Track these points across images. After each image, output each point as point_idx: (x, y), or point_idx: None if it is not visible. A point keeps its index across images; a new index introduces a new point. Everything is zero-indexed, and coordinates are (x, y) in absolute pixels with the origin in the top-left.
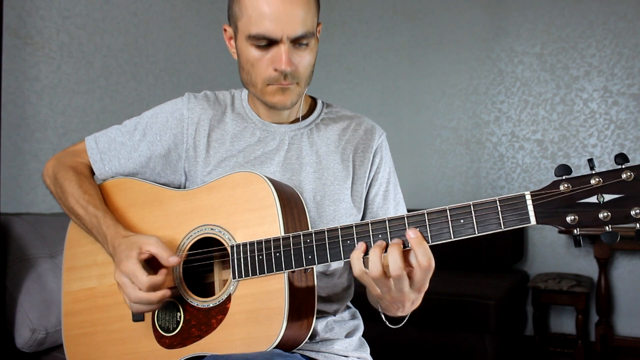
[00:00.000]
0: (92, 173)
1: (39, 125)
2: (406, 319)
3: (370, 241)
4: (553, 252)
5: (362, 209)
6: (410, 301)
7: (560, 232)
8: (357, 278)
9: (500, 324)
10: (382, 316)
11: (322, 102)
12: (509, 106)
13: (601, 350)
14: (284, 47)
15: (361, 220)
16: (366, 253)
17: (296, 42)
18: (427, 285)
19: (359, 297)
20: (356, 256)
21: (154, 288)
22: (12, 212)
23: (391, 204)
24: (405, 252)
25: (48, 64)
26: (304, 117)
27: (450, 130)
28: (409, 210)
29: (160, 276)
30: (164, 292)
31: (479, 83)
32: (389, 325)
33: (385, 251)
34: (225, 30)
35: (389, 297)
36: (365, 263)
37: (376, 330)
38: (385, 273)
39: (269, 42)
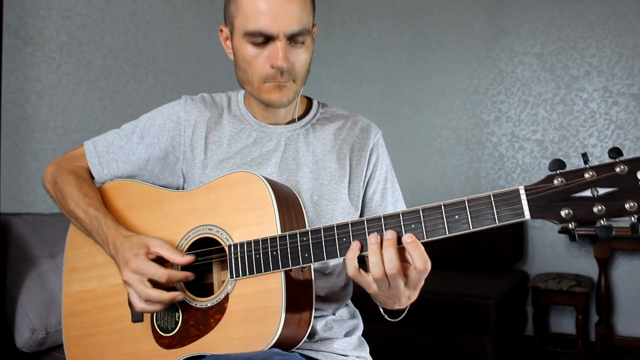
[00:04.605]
0: (92, 177)
1: (39, 125)
2: (404, 313)
3: (366, 239)
4: (553, 252)
5: (360, 208)
6: (406, 297)
7: (560, 231)
8: (352, 278)
9: (500, 324)
10: (381, 310)
11: (318, 102)
12: (509, 106)
13: (601, 350)
14: (280, 43)
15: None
16: (361, 251)
17: (292, 39)
18: (422, 283)
19: (359, 296)
20: (351, 256)
21: (171, 281)
22: (12, 212)
23: (389, 201)
24: (401, 249)
25: (48, 64)
26: (300, 117)
27: (450, 130)
28: None
29: (181, 273)
30: (176, 294)
31: (479, 83)
32: (388, 319)
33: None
34: (221, 30)
35: (386, 294)
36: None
37: (376, 329)
38: (386, 273)
39: (266, 39)
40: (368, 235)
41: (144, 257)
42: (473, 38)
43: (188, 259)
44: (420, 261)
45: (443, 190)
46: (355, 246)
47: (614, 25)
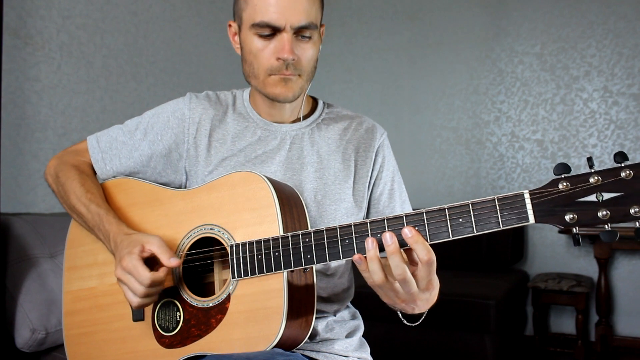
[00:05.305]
0: (94, 172)
1: (39, 125)
2: (423, 317)
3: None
4: (553, 252)
5: (364, 208)
6: (422, 300)
7: (561, 231)
8: (371, 287)
9: (500, 324)
10: (400, 315)
11: (323, 102)
12: (509, 106)
13: (601, 350)
14: (287, 35)
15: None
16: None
17: (299, 33)
18: (435, 282)
19: (359, 297)
20: (363, 268)
21: (154, 284)
22: (12, 212)
23: (397, 202)
24: (407, 252)
25: (48, 64)
26: (305, 116)
27: (450, 130)
28: None
29: (162, 273)
30: (169, 268)
31: (479, 83)
32: (407, 323)
33: (382, 250)
34: (230, 26)
35: (399, 300)
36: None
37: (376, 330)
38: (387, 278)
39: (273, 31)
40: (370, 236)
41: (137, 255)
42: (473, 38)
43: (174, 262)
44: (424, 252)
45: (443, 190)
46: (357, 258)
47: (614, 25)
